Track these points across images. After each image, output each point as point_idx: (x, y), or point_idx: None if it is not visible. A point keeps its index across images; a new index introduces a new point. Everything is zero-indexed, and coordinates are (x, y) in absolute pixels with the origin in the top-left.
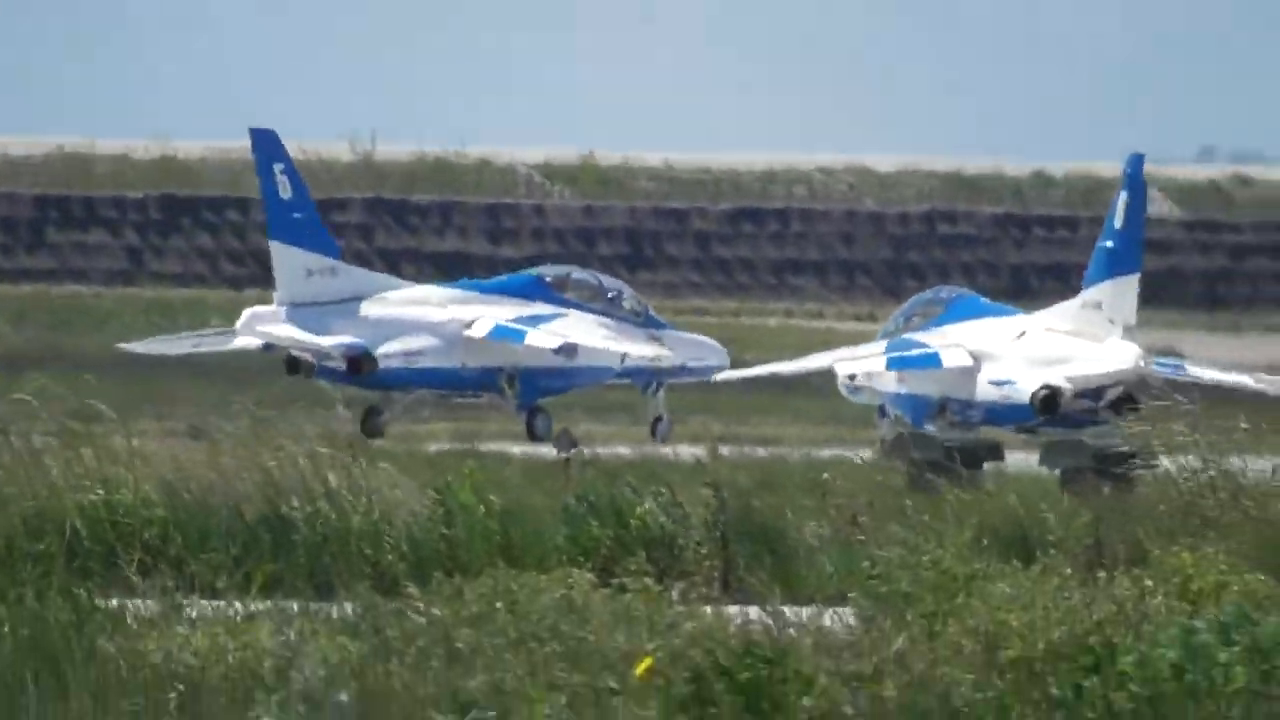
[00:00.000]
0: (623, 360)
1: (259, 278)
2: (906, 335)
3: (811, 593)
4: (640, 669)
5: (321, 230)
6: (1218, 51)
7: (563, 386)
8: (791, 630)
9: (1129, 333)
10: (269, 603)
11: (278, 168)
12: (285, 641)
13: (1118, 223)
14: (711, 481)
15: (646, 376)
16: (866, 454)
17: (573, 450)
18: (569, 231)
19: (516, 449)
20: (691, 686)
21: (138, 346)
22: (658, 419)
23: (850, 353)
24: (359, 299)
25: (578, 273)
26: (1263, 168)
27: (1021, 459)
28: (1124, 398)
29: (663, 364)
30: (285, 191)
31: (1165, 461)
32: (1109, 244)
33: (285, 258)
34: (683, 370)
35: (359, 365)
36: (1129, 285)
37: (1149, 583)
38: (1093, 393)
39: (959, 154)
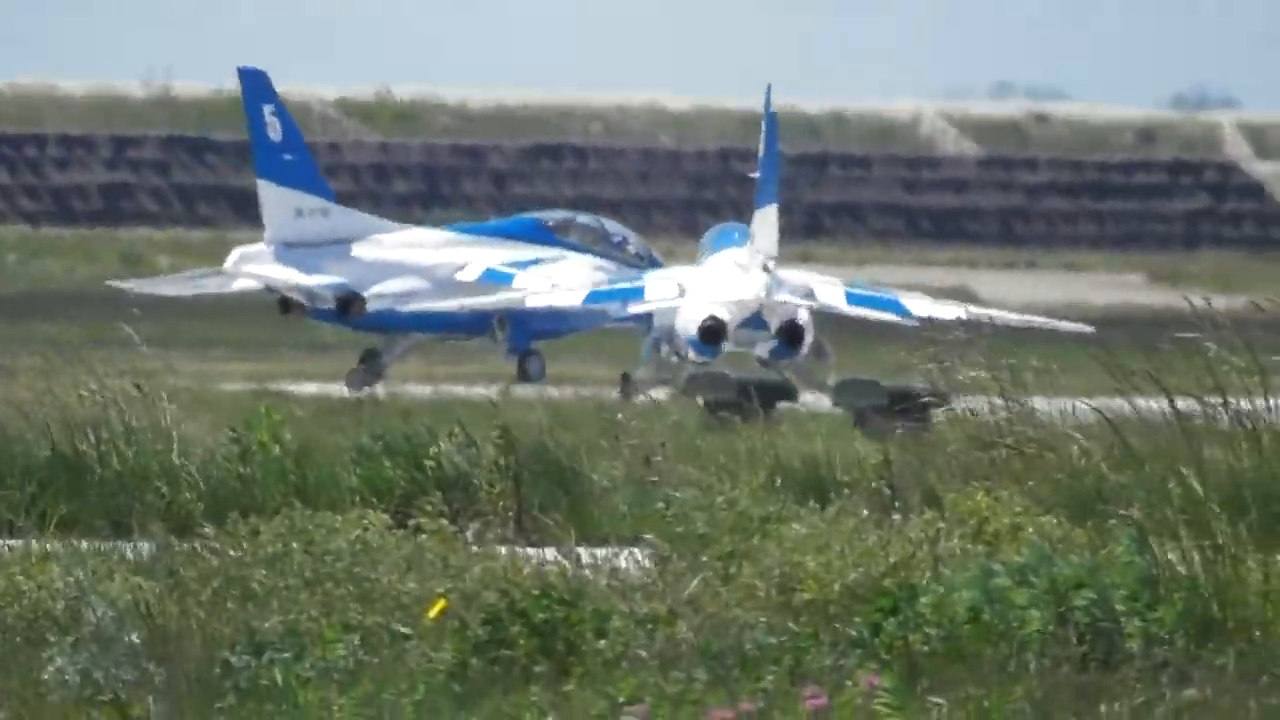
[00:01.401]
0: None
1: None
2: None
3: (606, 534)
4: (433, 612)
5: (314, 171)
6: None
7: (556, 330)
8: (586, 572)
9: (771, 263)
10: (65, 542)
11: (267, 109)
12: (77, 581)
13: (760, 154)
14: (502, 423)
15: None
16: (662, 394)
17: (367, 388)
18: (365, 168)
19: (311, 388)
20: (487, 628)
21: (132, 285)
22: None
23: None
24: (351, 240)
25: (582, 217)
26: (1060, 104)
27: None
28: (785, 330)
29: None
30: (274, 133)
31: (960, 402)
32: (754, 175)
33: (274, 198)
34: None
35: (348, 306)
36: (768, 216)
37: (944, 524)
38: (752, 322)
39: (755, 93)
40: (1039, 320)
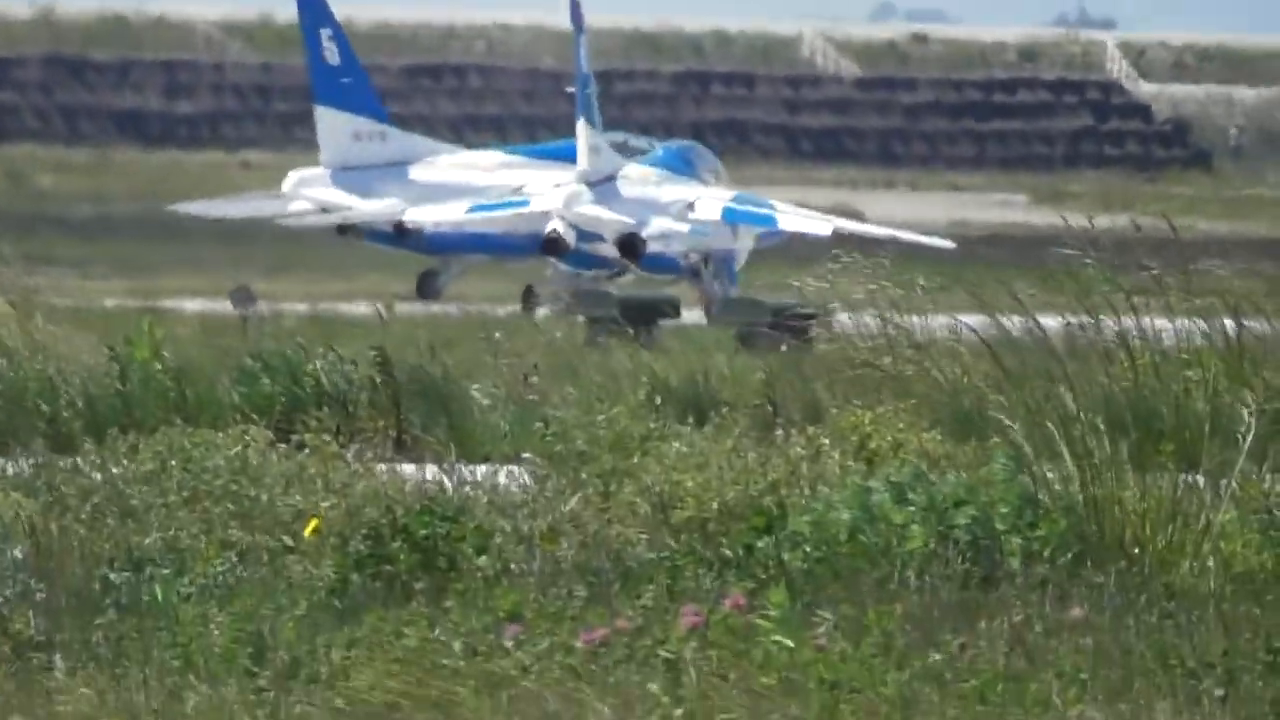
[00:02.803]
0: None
1: None
2: None
3: (487, 452)
4: (309, 529)
5: (370, 94)
6: None
7: None
8: (467, 489)
9: (582, 175)
10: None
11: (324, 33)
12: None
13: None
14: (378, 344)
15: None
16: (543, 311)
17: (251, 308)
18: (248, 88)
19: (193, 305)
20: (368, 544)
21: (191, 208)
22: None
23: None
24: (407, 163)
25: (634, 139)
26: (940, 26)
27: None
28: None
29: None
30: (333, 57)
31: (843, 319)
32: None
33: (332, 121)
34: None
35: (405, 229)
36: (581, 133)
37: (825, 441)
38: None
39: (635, 11)
40: (905, 235)
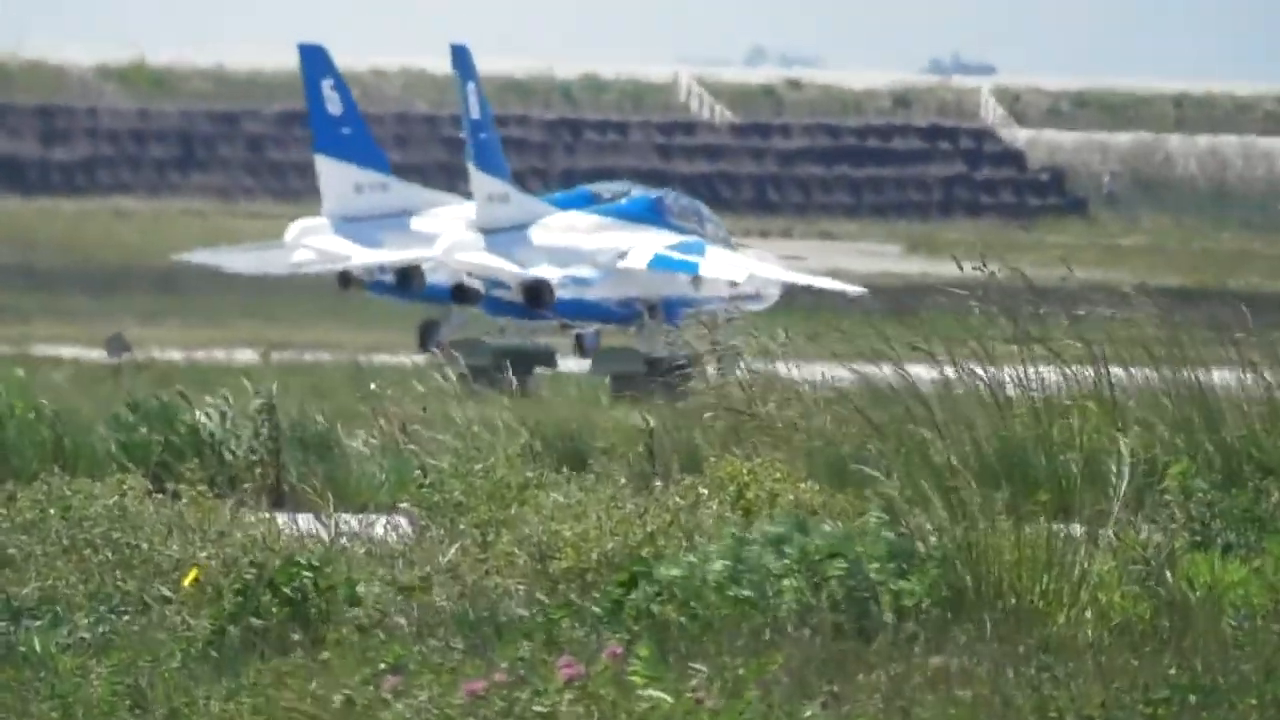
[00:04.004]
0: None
1: None
2: None
3: (364, 501)
4: (188, 579)
5: (372, 145)
6: None
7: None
8: (344, 539)
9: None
10: None
11: (326, 83)
12: None
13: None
14: (261, 389)
15: (719, 304)
16: (421, 359)
17: (125, 355)
18: (123, 133)
19: (68, 352)
20: (238, 597)
21: (194, 257)
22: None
23: None
24: (410, 213)
25: (636, 190)
26: (815, 71)
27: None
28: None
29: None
30: (335, 107)
31: (718, 366)
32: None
33: (333, 172)
34: (751, 298)
35: (410, 281)
36: (475, 177)
37: (703, 491)
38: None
39: (516, 58)
40: (819, 281)
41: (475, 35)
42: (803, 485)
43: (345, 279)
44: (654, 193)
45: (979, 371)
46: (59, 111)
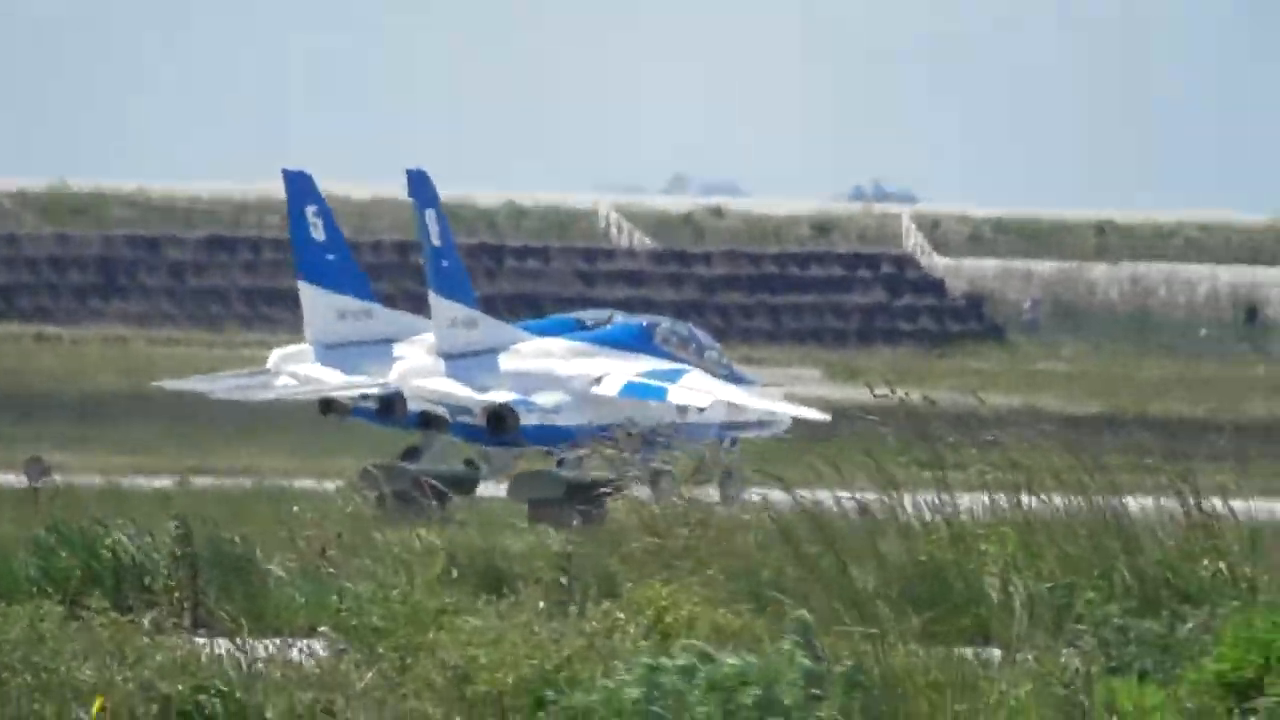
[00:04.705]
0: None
1: None
2: None
3: (281, 625)
4: (94, 709)
5: (354, 271)
6: (686, 81)
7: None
8: (260, 663)
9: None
10: None
11: (310, 209)
12: None
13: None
14: (177, 513)
15: (718, 431)
16: (339, 484)
17: (44, 479)
18: (42, 260)
19: None
20: None
21: (173, 384)
22: (728, 474)
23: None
24: (393, 340)
25: (619, 316)
26: (735, 199)
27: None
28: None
29: (742, 418)
30: (318, 233)
31: (636, 491)
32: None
33: (316, 300)
34: (755, 425)
35: (392, 407)
36: (435, 304)
37: (620, 616)
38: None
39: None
40: (781, 408)
41: (395, 162)
42: (720, 611)
43: (326, 405)
44: (641, 319)
45: (896, 496)
46: None
